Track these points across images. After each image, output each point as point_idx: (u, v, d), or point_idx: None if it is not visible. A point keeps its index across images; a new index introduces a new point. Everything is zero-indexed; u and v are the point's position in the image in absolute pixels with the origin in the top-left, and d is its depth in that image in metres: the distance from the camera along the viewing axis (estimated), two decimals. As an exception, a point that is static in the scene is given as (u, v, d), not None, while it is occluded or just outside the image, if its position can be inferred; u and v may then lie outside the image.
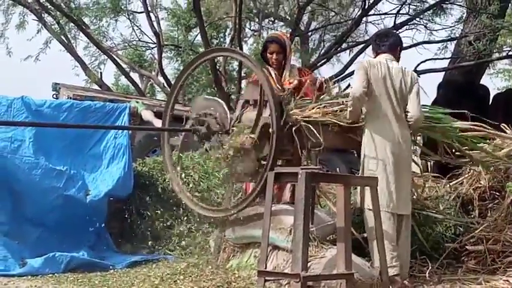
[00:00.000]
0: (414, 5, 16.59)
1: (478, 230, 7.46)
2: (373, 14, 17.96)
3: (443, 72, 14.62)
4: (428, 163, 8.48)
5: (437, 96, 13.65)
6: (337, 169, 10.42)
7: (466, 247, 7.50)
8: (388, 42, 7.14)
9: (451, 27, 16.08)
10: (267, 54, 7.89)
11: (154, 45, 21.36)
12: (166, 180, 9.50)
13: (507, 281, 6.82)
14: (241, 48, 16.28)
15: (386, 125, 6.79)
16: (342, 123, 6.86)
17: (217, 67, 17.36)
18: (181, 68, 16.11)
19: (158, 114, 9.39)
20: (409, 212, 6.88)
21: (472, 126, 7.45)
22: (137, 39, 22.30)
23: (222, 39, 24.33)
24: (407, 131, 6.88)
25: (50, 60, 20.28)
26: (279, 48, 7.89)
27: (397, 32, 7.41)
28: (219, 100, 7.30)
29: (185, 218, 9.21)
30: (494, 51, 15.08)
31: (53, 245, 8.48)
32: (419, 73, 15.10)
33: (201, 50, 18.52)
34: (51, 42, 18.91)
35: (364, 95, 6.71)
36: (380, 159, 6.71)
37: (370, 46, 7.50)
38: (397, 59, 7.09)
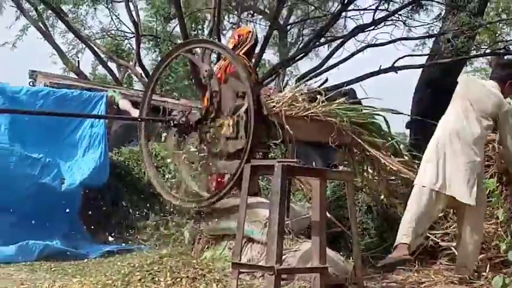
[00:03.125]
0: (393, 1, 16.60)
1: (452, 227, 7.49)
2: (352, 9, 17.91)
3: (421, 69, 14.67)
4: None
5: (418, 97, 13.74)
6: (313, 163, 10.43)
7: (440, 243, 7.54)
8: (499, 74, 7.33)
9: (429, 24, 16.08)
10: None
11: (132, 35, 21.21)
12: (142, 170, 9.48)
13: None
14: (219, 41, 16.22)
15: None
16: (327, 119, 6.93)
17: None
18: (159, 58, 16.06)
19: (135, 104, 9.35)
20: (466, 201, 6.81)
21: None
22: (115, 28, 22.19)
23: (200, 31, 24.24)
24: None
25: (28, 48, 20.16)
26: None
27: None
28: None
29: (160, 208, 9.19)
30: (472, 49, 15.14)
31: (26, 233, 8.43)
32: (397, 69, 15.23)
33: (179, 41, 18.44)
34: (29, 29, 18.80)
35: None
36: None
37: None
38: (503, 91, 7.20)
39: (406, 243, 6.72)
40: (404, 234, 6.78)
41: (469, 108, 6.98)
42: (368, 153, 7.52)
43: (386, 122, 7.78)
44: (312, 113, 6.91)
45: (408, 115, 9.39)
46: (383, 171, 7.71)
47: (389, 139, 7.74)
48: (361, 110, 7.59)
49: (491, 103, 6.97)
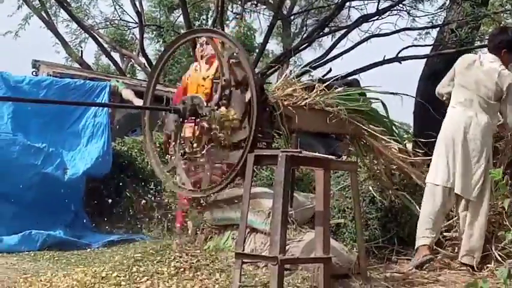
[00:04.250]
0: (397, -9, 16.52)
1: (456, 218, 7.46)
2: (356, -1, 17.91)
3: (425, 59, 14.60)
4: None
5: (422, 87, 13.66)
6: (317, 153, 10.41)
7: (444, 233, 7.52)
8: (493, 43, 7.31)
9: (433, 14, 16.00)
10: None
11: (136, 25, 21.19)
12: (145, 160, 9.46)
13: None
14: (223, 31, 16.20)
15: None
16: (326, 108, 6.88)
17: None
18: (163, 48, 16.03)
19: (138, 94, 9.33)
20: (470, 197, 6.95)
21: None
22: (119, 18, 22.13)
23: (204, 21, 24.22)
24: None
25: (31, 37, 20.10)
26: None
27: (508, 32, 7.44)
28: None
29: (163, 198, 9.17)
30: (476, 39, 15.05)
31: (29, 223, 8.44)
32: (401, 59, 15.17)
33: (183, 31, 18.40)
34: (32, 18, 18.73)
35: None
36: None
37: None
38: (502, 61, 7.15)
39: (425, 245, 6.85)
40: (422, 236, 6.91)
41: (473, 96, 6.97)
42: (368, 143, 7.49)
43: (385, 106, 7.72)
44: (311, 102, 6.86)
45: (411, 96, 9.30)
46: (384, 160, 7.69)
47: (389, 124, 7.71)
48: (360, 96, 7.53)
49: (493, 83, 6.94)
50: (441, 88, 7.38)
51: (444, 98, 7.34)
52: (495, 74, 6.95)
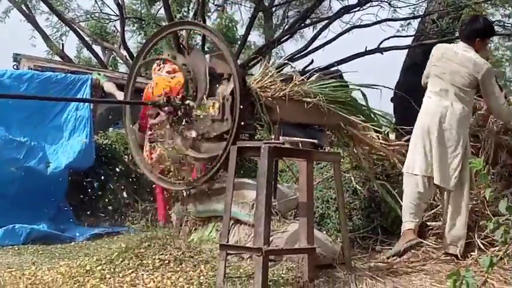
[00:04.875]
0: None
1: (439, 207, 7.49)
2: (338, -9, 17.92)
3: (407, 50, 14.63)
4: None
5: (402, 77, 13.66)
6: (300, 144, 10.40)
7: (427, 223, 7.55)
8: (465, 32, 7.31)
9: (415, 4, 16.05)
10: None
11: (117, 18, 21.12)
12: (128, 153, 9.45)
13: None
14: (204, 23, 16.15)
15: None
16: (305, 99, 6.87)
17: (180, 41, 17.21)
18: (144, 41, 15.99)
19: (120, 87, 9.31)
20: (449, 187, 6.96)
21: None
22: (99, 11, 22.05)
23: (185, 13, 24.14)
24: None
25: (11, 30, 20.00)
26: None
27: (486, 21, 7.44)
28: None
29: (147, 191, 9.17)
30: (457, 29, 15.10)
31: (12, 217, 8.41)
32: (382, 50, 15.21)
33: (164, 23, 18.33)
34: (11, 11, 18.64)
35: None
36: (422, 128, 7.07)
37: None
38: (476, 48, 7.15)
39: (411, 229, 6.87)
40: (407, 221, 6.93)
41: (448, 86, 6.99)
42: (350, 133, 7.49)
43: (364, 96, 7.73)
44: (289, 93, 6.84)
45: (390, 88, 9.33)
46: (364, 149, 7.71)
47: (368, 113, 7.72)
48: (338, 86, 7.50)
49: (468, 72, 6.95)
50: (425, 79, 7.41)
51: None
52: (470, 63, 6.98)
